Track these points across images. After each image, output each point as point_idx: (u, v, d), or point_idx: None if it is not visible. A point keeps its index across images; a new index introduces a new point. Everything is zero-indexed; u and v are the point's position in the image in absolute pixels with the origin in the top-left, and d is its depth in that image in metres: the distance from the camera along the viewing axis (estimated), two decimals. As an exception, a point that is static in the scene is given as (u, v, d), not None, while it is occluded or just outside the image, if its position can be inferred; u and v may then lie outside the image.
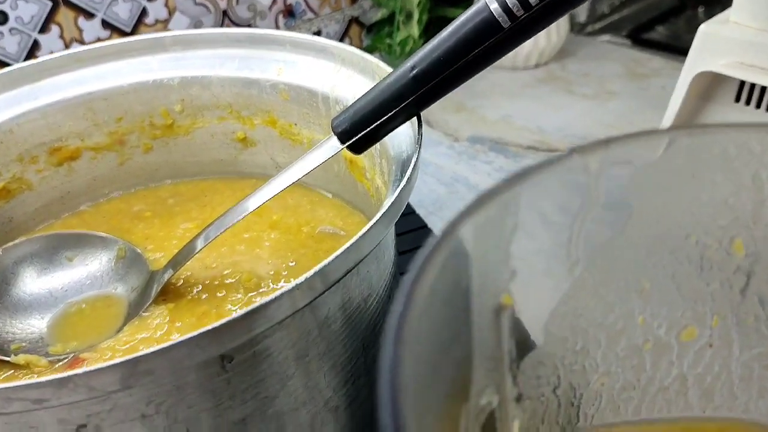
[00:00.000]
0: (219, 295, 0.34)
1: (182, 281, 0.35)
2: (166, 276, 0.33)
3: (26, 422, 0.23)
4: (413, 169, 0.27)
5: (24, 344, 0.33)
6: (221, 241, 0.36)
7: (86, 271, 0.36)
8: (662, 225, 0.16)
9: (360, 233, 0.24)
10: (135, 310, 0.34)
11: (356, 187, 0.37)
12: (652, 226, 0.16)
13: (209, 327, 0.21)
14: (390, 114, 0.28)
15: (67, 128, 0.37)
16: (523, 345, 0.16)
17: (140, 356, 0.21)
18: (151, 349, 0.21)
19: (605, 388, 0.18)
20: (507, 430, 0.16)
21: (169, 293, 0.34)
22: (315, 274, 0.23)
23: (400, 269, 0.36)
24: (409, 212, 0.45)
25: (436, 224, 0.44)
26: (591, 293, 0.16)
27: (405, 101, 0.27)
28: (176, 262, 0.34)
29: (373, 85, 0.28)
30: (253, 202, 0.31)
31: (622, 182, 0.15)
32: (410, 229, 0.43)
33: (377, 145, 0.32)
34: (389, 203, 0.26)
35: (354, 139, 0.28)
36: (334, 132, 0.29)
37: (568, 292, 0.16)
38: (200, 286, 0.34)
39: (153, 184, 0.40)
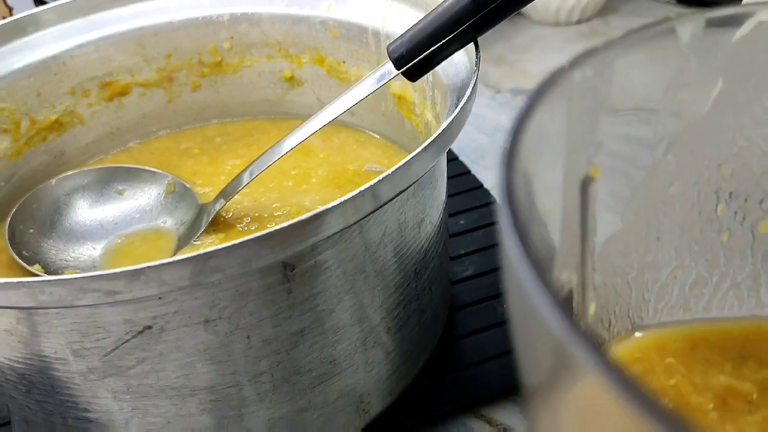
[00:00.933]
0: (269, 226, 0.34)
1: (231, 213, 0.35)
2: (217, 206, 0.34)
3: (94, 322, 0.23)
4: (472, 90, 0.27)
5: (77, 271, 0.34)
6: (269, 177, 0.36)
7: (136, 204, 0.37)
8: (750, 106, 0.16)
9: (414, 153, 0.25)
10: (184, 242, 0.35)
11: (403, 126, 0.37)
12: (741, 106, 0.16)
13: (275, 227, 0.22)
14: (448, 38, 0.28)
15: (118, 63, 0.38)
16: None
17: (211, 251, 0.21)
18: (222, 246, 0.21)
19: (677, 282, 0.18)
20: (583, 312, 0.17)
21: (219, 225, 0.35)
22: (371, 187, 0.23)
23: (448, 212, 0.37)
24: (453, 158, 0.45)
25: (479, 173, 0.45)
26: (673, 176, 0.16)
27: (463, 25, 0.27)
28: (225, 194, 0.34)
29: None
30: (300, 134, 0.32)
31: (715, 57, 0.15)
32: (454, 175, 0.43)
33: (429, 76, 0.32)
34: (446, 124, 0.26)
35: (410, 65, 0.29)
36: (390, 57, 0.29)
37: (651, 174, 0.16)
38: (249, 218, 0.35)
39: (200, 124, 0.41)
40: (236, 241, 0.21)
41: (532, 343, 0.12)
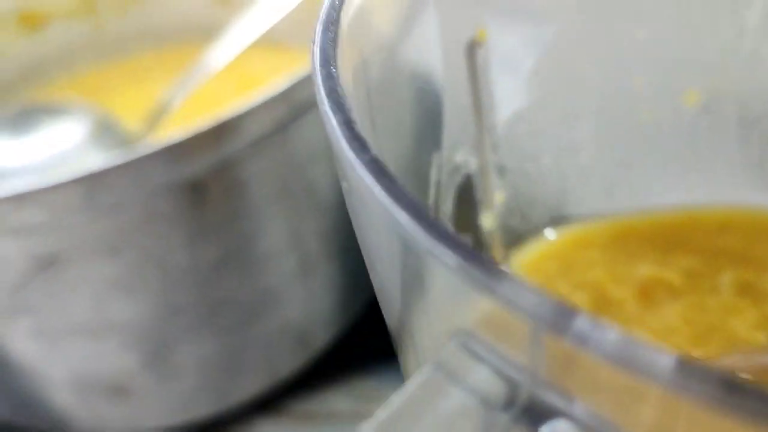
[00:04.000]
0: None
1: (164, 146, 0.34)
2: (147, 139, 0.33)
3: (-4, 255, 0.23)
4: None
5: None
6: (206, 109, 0.35)
7: (61, 142, 0.36)
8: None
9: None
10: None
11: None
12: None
13: (176, 138, 0.21)
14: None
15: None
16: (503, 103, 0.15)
17: (103, 168, 0.21)
18: (115, 160, 0.21)
19: (598, 165, 0.18)
20: (487, 200, 0.16)
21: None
22: (287, 87, 0.22)
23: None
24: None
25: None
26: (583, 38, 0.16)
27: None
28: (153, 120, 0.33)
29: None
30: (233, 42, 0.31)
31: None
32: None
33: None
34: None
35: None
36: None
37: (556, 34, 0.15)
38: (183, 150, 0.34)
39: (130, 53, 0.40)
40: (131, 156, 0.21)
41: (379, 255, 0.11)
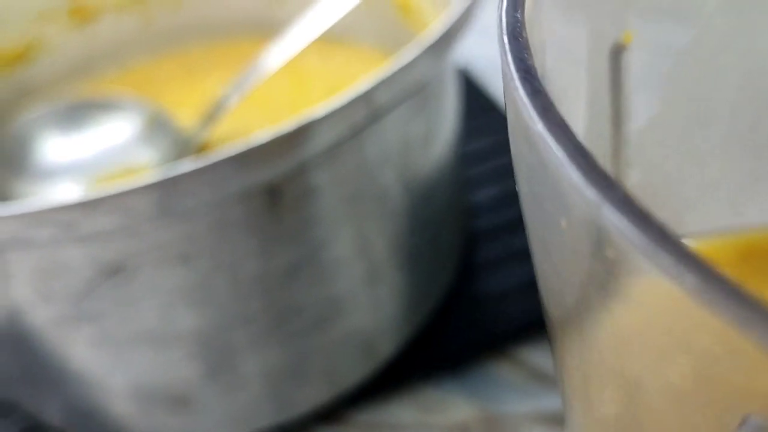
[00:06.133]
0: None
1: (219, 145, 0.33)
2: (203, 135, 0.32)
3: (60, 262, 0.21)
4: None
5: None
6: (260, 105, 0.34)
7: (114, 138, 0.35)
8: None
9: (414, 52, 0.22)
10: (170, 178, 0.33)
11: (410, 40, 0.34)
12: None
13: (254, 143, 0.20)
14: None
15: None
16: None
17: (180, 173, 0.19)
18: (192, 166, 0.19)
19: (727, 179, 0.16)
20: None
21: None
22: (365, 90, 0.21)
23: (464, 135, 0.34)
24: (467, 77, 0.43)
25: (499, 90, 0.42)
26: (723, 42, 0.14)
27: None
28: (210, 119, 0.32)
29: None
30: (292, 43, 0.30)
31: None
32: (471, 95, 0.41)
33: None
34: (453, 21, 0.23)
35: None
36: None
37: (695, 40, 0.14)
38: (239, 148, 0.33)
39: (182, 47, 0.38)
40: (208, 161, 0.19)
41: (557, 241, 0.09)
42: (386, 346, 0.28)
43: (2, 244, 0.20)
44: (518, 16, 0.09)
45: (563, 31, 0.12)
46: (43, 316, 0.23)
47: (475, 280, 0.31)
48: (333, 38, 0.35)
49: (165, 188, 0.19)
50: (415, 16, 0.34)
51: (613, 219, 0.07)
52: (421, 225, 0.27)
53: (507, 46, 0.08)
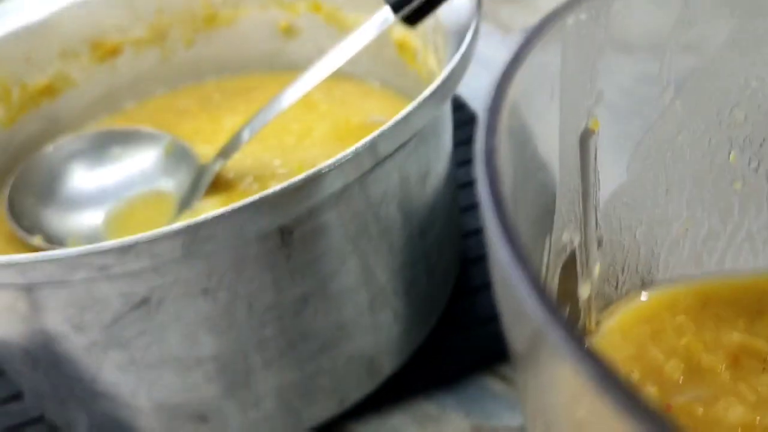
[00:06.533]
0: (271, 184, 0.34)
1: (233, 173, 0.35)
2: (217, 166, 0.34)
3: (91, 296, 0.23)
4: (473, 36, 0.26)
5: (80, 239, 0.34)
6: (270, 134, 0.36)
7: (135, 167, 0.37)
8: (763, 44, 0.15)
9: (413, 104, 0.24)
10: (186, 204, 0.35)
11: (407, 74, 0.36)
12: (753, 44, 0.15)
13: (268, 192, 0.21)
14: (446, -21, 0.27)
15: (108, 22, 0.37)
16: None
17: (202, 221, 0.21)
18: (213, 214, 0.21)
19: (689, 235, 0.18)
20: (587, 272, 0.16)
21: (220, 185, 0.35)
22: (369, 142, 0.23)
23: (455, 159, 0.36)
24: (460, 106, 0.44)
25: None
26: (680, 124, 0.16)
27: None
28: (225, 153, 0.34)
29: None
30: (300, 86, 0.31)
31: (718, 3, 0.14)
32: (463, 122, 0.42)
33: (431, 20, 0.31)
34: (446, 73, 0.25)
35: (407, 9, 0.28)
36: (386, 2, 0.28)
37: (656, 123, 0.16)
38: (251, 177, 0.35)
39: (197, 81, 0.40)
40: (227, 209, 0.21)
41: (515, 318, 0.11)
42: (387, 366, 0.30)
43: (40, 283, 0.22)
44: (493, 142, 0.10)
45: (539, 119, 0.13)
46: (75, 342, 0.25)
47: (468, 302, 0.33)
48: (335, 72, 0.37)
49: (189, 234, 0.21)
50: (409, 53, 0.35)
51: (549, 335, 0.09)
52: (419, 255, 0.29)
53: (483, 174, 0.10)
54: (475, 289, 0.34)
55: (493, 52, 0.54)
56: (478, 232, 0.36)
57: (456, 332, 0.32)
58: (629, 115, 0.15)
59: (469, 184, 0.39)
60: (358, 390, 0.30)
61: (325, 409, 0.29)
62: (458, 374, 0.31)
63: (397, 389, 0.31)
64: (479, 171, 0.10)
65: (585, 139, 0.14)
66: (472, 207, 0.38)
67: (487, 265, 0.35)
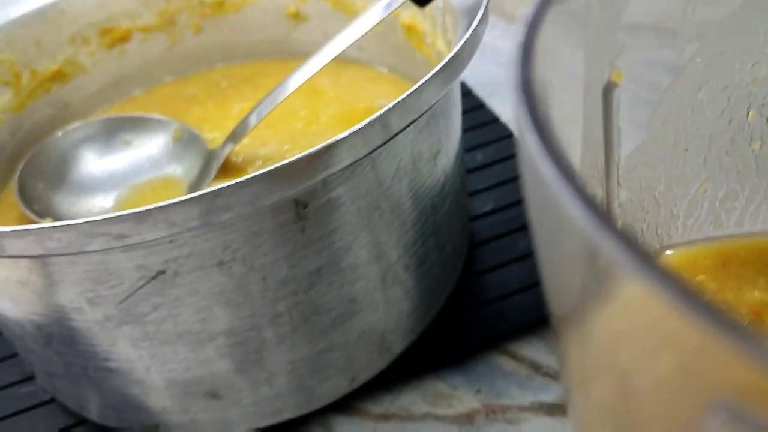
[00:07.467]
0: (280, 168, 0.34)
1: (242, 158, 0.35)
2: (227, 151, 0.33)
3: (106, 269, 0.23)
4: (484, 12, 0.26)
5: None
6: (278, 119, 0.36)
7: (145, 153, 0.36)
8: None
9: (424, 79, 0.24)
10: (195, 189, 0.34)
11: (415, 58, 0.36)
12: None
13: (284, 162, 0.21)
14: (456, -42, 0.27)
15: (117, 7, 0.37)
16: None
17: (219, 189, 0.21)
18: (230, 183, 0.21)
19: (707, 196, 0.18)
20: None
21: (229, 170, 0.34)
22: (381, 116, 0.23)
23: (464, 148, 0.36)
24: (467, 92, 0.44)
25: (495, 106, 0.43)
26: (701, 80, 0.16)
27: (472, -58, 0.26)
28: (234, 138, 0.34)
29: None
30: (307, 70, 0.31)
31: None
32: (469, 109, 0.42)
33: (439, 1, 0.31)
34: (458, 48, 0.25)
35: (418, -12, 0.27)
36: (397, -19, 0.28)
37: (678, 78, 0.15)
38: (260, 162, 0.34)
39: (205, 68, 0.40)
40: (244, 178, 0.21)
41: (560, 257, 0.11)
42: (398, 343, 0.30)
43: (56, 255, 0.22)
44: (528, 73, 0.10)
45: (564, 72, 0.13)
46: (89, 317, 0.24)
47: (477, 282, 0.33)
48: (342, 57, 0.37)
49: (206, 203, 0.21)
50: (417, 36, 0.35)
51: (606, 247, 0.08)
52: (429, 232, 0.29)
53: (521, 101, 0.10)
54: (483, 272, 0.34)
55: (498, 42, 0.54)
56: (485, 216, 0.36)
57: (465, 311, 0.32)
58: (651, 70, 0.15)
59: (475, 170, 0.39)
60: (369, 368, 0.29)
61: (336, 387, 0.29)
62: (468, 353, 0.31)
63: (408, 368, 0.31)
64: (518, 101, 0.10)
65: (608, 91, 0.14)
66: (479, 192, 0.38)
67: (495, 246, 0.34)
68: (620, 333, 0.11)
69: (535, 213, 0.11)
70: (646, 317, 0.09)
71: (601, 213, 0.08)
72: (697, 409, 0.10)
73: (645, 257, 0.08)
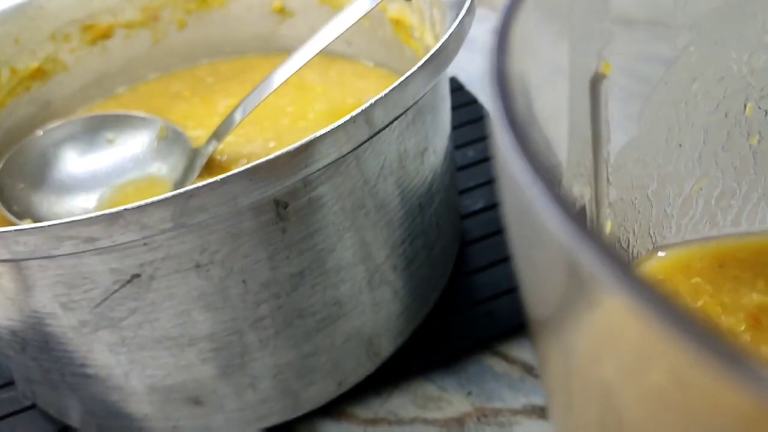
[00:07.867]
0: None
1: (227, 156, 0.34)
2: (210, 149, 0.32)
3: (79, 272, 0.22)
4: (471, 1, 0.25)
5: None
6: (264, 116, 0.35)
7: (128, 152, 0.35)
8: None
9: (409, 72, 0.23)
10: (179, 188, 0.33)
11: (403, 53, 0.35)
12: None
13: (262, 160, 0.20)
14: (442, -52, 0.26)
15: (98, 3, 0.36)
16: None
17: (193, 189, 0.20)
18: (204, 182, 0.20)
19: (702, 194, 0.17)
20: (598, 230, 0.15)
21: (214, 168, 0.33)
22: (364, 111, 0.22)
23: (455, 144, 0.35)
24: (458, 88, 0.43)
25: (488, 102, 0.42)
26: (696, 70, 0.15)
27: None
28: (218, 135, 0.33)
29: None
30: (292, 64, 0.30)
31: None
32: (460, 105, 0.41)
33: (428, -6, 0.30)
34: (443, 40, 0.24)
35: (404, -20, 0.26)
36: (382, -27, 0.27)
37: (670, 69, 0.14)
38: (245, 160, 0.33)
39: (190, 64, 0.39)
40: (219, 177, 0.20)
41: (538, 265, 0.10)
42: (387, 346, 0.29)
43: (27, 258, 0.21)
44: (504, 64, 0.09)
45: (546, 62, 0.12)
46: (63, 322, 0.23)
47: (468, 282, 0.32)
48: (330, 52, 0.36)
49: (179, 203, 0.20)
50: (405, 30, 0.34)
51: (586, 259, 0.07)
52: (417, 232, 0.28)
53: (495, 95, 0.09)
54: (474, 271, 0.33)
55: (487, 36, 0.52)
56: (476, 214, 0.35)
57: (456, 312, 0.31)
58: (641, 61, 0.14)
59: (466, 167, 0.38)
60: (357, 371, 0.28)
61: (323, 391, 0.28)
62: (459, 354, 0.30)
63: (397, 370, 0.30)
64: (492, 91, 0.09)
65: (595, 83, 0.13)
66: (470, 189, 0.37)
67: (486, 245, 0.34)
68: (603, 343, 0.10)
69: (511, 218, 0.10)
70: (630, 330, 0.08)
71: (581, 222, 0.07)
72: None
73: (627, 271, 0.07)
